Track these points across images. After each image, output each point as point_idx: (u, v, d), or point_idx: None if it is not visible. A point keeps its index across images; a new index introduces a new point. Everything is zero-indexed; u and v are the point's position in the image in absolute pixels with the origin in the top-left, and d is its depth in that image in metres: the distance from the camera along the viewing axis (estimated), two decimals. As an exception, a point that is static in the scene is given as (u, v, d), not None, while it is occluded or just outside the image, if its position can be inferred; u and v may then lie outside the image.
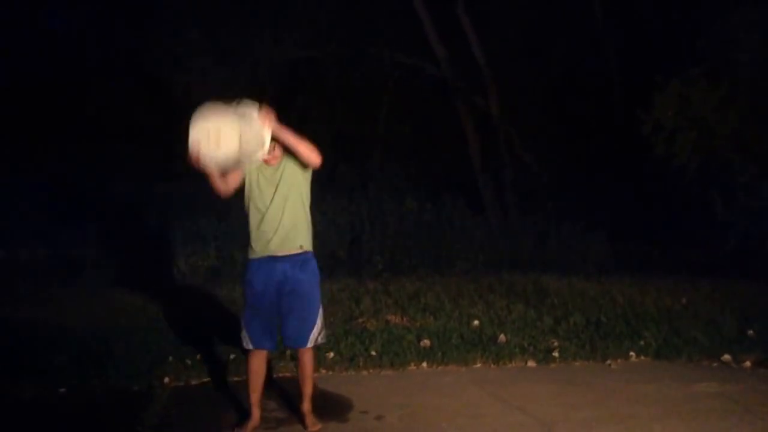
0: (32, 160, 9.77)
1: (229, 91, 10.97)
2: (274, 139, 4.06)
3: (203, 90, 10.92)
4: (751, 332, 5.84)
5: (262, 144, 4.00)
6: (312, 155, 4.10)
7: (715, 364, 5.43)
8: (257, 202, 4.19)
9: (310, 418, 4.25)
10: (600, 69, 12.31)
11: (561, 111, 12.15)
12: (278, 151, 4.19)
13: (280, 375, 5.07)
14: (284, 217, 4.15)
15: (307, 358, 4.23)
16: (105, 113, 11.45)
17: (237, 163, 4.02)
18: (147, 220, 8.88)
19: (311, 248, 4.22)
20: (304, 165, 4.19)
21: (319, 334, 4.21)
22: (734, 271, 7.69)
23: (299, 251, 4.16)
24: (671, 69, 9.27)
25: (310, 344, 4.19)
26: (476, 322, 6.11)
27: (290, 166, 4.20)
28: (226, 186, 4.16)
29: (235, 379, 4.98)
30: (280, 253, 4.13)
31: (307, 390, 4.26)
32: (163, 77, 11.07)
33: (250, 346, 4.19)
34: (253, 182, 4.20)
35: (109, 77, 11.60)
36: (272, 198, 4.15)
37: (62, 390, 4.89)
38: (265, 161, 4.17)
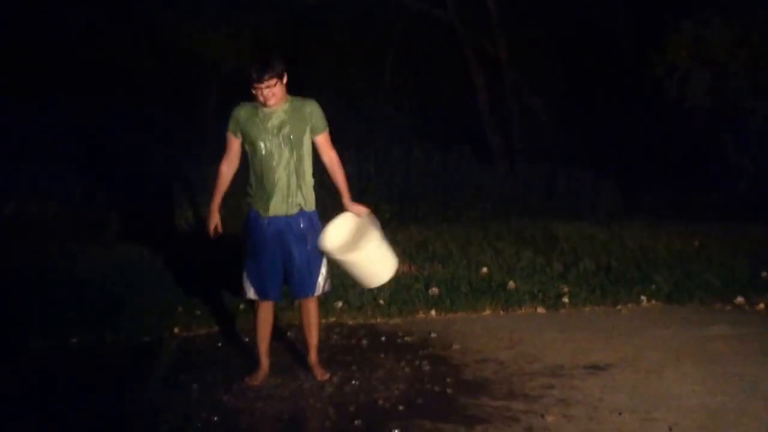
0: (36, 112, 9.68)
1: (235, 42, 10.91)
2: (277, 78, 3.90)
3: (206, 39, 10.78)
4: (764, 274, 5.79)
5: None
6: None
7: (728, 308, 5.40)
8: (255, 152, 4.01)
9: (318, 369, 4.23)
10: (609, 12, 12.03)
11: (570, 56, 11.93)
12: (279, 90, 3.94)
13: (288, 323, 5.06)
14: (284, 174, 3.98)
15: (312, 308, 4.18)
16: (109, 65, 11.30)
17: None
18: (152, 171, 8.81)
19: (312, 208, 4.09)
20: (309, 121, 4.01)
21: (325, 282, 4.14)
22: (746, 215, 7.60)
23: (298, 211, 4.04)
24: (682, 10, 9.06)
25: (317, 293, 4.14)
26: (485, 270, 6.07)
27: (294, 115, 3.98)
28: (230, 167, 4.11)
29: (244, 329, 4.97)
30: (277, 213, 4.02)
31: (313, 340, 4.23)
32: (166, 27, 10.87)
33: (253, 297, 4.14)
34: (250, 128, 3.98)
35: (111, 27, 11.40)
36: (271, 148, 3.96)
37: (73, 340, 4.90)
38: (263, 102, 3.93)
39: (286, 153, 3.98)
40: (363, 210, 4.13)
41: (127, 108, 10.50)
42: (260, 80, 3.88)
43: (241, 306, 5.25)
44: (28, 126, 9.35)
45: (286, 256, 4.06)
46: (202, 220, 8.09)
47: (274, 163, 3.98)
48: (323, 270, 4.13)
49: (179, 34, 10.78)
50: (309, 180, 4.09)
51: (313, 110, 4.04)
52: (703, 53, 9.01)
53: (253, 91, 3.94)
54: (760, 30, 8.84)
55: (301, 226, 4.06)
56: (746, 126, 8.89)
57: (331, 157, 4.10)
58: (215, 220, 4.15)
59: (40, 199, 8.35)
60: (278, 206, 4.02)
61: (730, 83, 9.02)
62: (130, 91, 11.08)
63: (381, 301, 5.46)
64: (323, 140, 4.07)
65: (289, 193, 4.01)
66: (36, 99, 10.06)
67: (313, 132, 4.04)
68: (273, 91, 3.93)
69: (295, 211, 4.04)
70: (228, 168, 4.11)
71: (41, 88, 10.39)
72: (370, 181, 9.18)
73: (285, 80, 3.96)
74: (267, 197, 4.02)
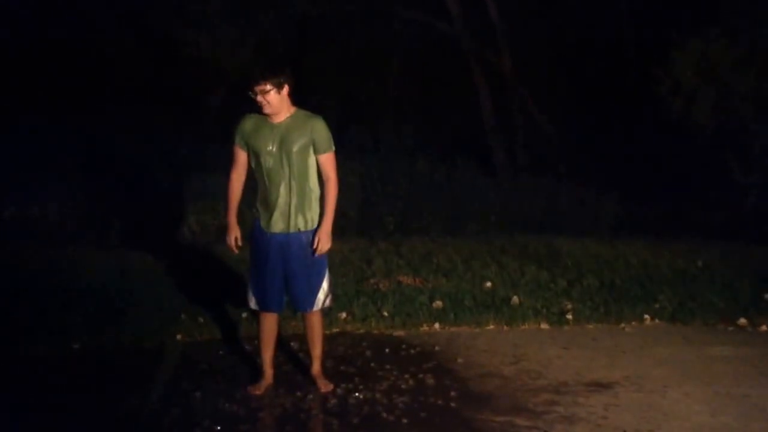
0: (38, 115, 9.67)
1: (239, 48, 10.94)
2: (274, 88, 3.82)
3: (212, 47, 10.83)
4: (767, 296, 5.78)
5: None
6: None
7: (730, 328, 5.40)
8: (258, 166, 3.97)
9: (321, 380, 4.22)
10: (615, 27, 12.09)
11: (575, 70, 11.97)
12: (274, 98, 3.86)
13: (293, 333, 5.05)
14: (284, 192, 3.93)
15: (315, 321, 4.17)
16: (112, 69, 11.32)
17: None
18: (156, 178, 8.82)
19: (313, 227, 4.01)
20: (312, 139, 3.94)
21: (326, 297, 4.12)
22: (751, 234, 7.61)
23: (297, 231, 3.99)
24: (689, 27, 9.10)
25: (316, 308, 4.11)
26: (489, 284, 6.07)
27: (295, 130, 3.91)
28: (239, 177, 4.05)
29: (248, 337, 4.96)
30: (277, 231, 3.99)
31: (316, 352, 4.22)
32: (172, 34, 10.90)
33: (255, 307, 4.14)
34: (254, 141, 3.95)
35: (116, 33, 11.43)
36: (272, 164, 3.91)
37: (75, 347, 4.89)
38: (260, 109, 3.89)
39: (286, 170, 3.93)
40: (325, 247, 4.00)
41: (129, 113, 10.51)
42: (256, 81, 3.82)
43: (244, 314, 5.24)
44: (30, 131, 9.33)
45: (288, 270, 4.03)
46: (206, 227, 8.13)
47: (276, 180, 3.94)
48: (324, 285, 4.11)
49: (184, 41, 10.80)
50: (315, 200, 4.01)
51: (316, 128, 3.95)
52: (707, 72, 9.04)
53: (251, 96, 3.87)
54: (765, 49, 8.87)
55: (303, 241, 4.03)
56: (750, 145, 8.90)
57: (328, 179, 4.00)
58: (234, 232, 4.07)
59: (40, 203, 8.32)
60: (278, 224, 3.99)
61: (735, 102, 9.05)
62: (132, 96, 11.09)
63: (385, 313, 5.46)
64: (325, 161, 3.98)
65: (289, 213, 3.97)
66: (38, 105, 10.06)
67: (316, 151, 3.96)
68: (267, 98, 3.86)
69: (293, 231, 3.99)
70: (237, 178, 4.08)
71: (43, 93, 10.40)
72: (373, 192, 9.18)
73: (285, 91, 3.89)
74: (268, 213, 3.99)
